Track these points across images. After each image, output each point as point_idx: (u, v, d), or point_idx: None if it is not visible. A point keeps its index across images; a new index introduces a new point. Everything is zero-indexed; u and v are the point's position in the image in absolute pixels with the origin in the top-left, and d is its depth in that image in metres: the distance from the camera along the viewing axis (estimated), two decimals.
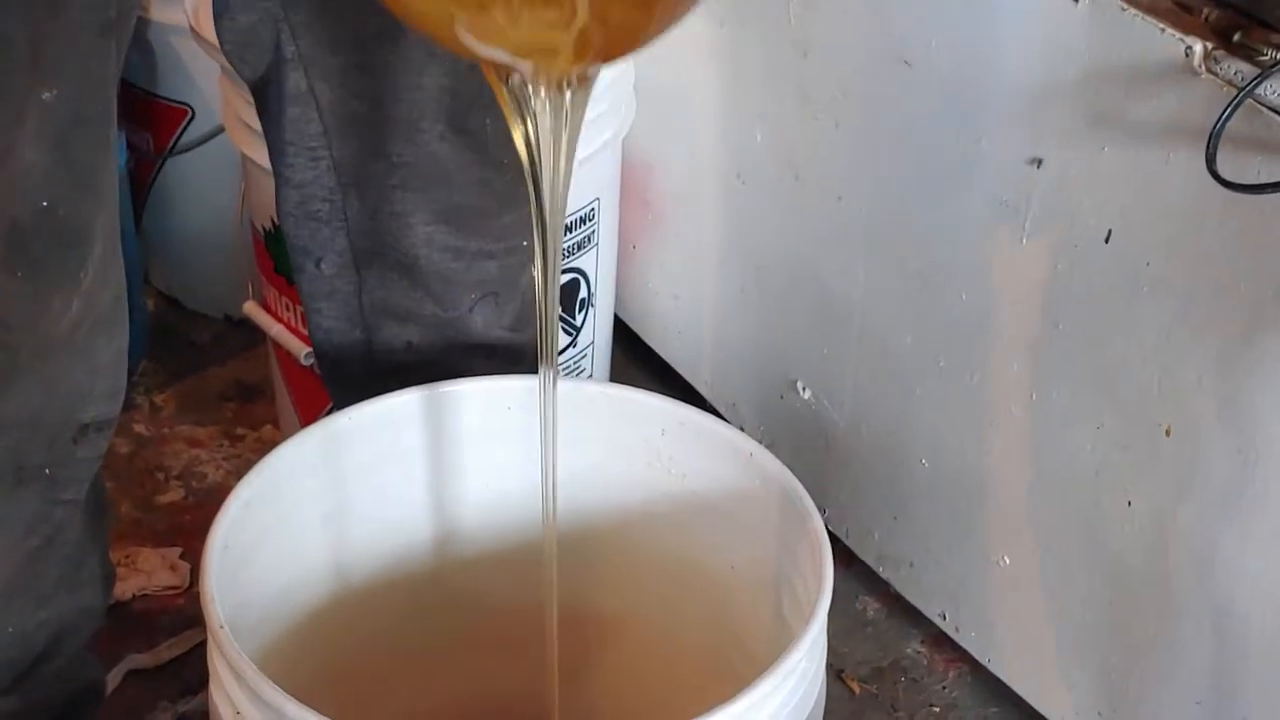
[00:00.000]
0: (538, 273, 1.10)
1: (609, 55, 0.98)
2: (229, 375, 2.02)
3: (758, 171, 1.69)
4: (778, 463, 1.24)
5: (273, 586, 1.26)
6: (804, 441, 1.74)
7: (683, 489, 1.31)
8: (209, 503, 1.84)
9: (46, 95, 1.07)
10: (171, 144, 1.99)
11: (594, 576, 1.36)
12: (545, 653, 1.23)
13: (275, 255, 1.69)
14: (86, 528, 1.31)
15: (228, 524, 1.17)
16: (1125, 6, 1.27)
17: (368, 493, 1.32)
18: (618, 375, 1.95)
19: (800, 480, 1.70)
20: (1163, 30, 1.25)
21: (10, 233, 1.10)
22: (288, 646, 1.27)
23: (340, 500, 1.30)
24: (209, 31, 1.48)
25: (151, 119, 1.99)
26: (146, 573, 1.76)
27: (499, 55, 0.97)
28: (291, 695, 1.04)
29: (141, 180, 2.03)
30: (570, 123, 1.03)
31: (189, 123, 1.97)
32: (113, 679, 1.61)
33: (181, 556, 1.79)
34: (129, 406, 1.94)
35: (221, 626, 1.09)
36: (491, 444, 1.32)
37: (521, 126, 1.02)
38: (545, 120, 1.02)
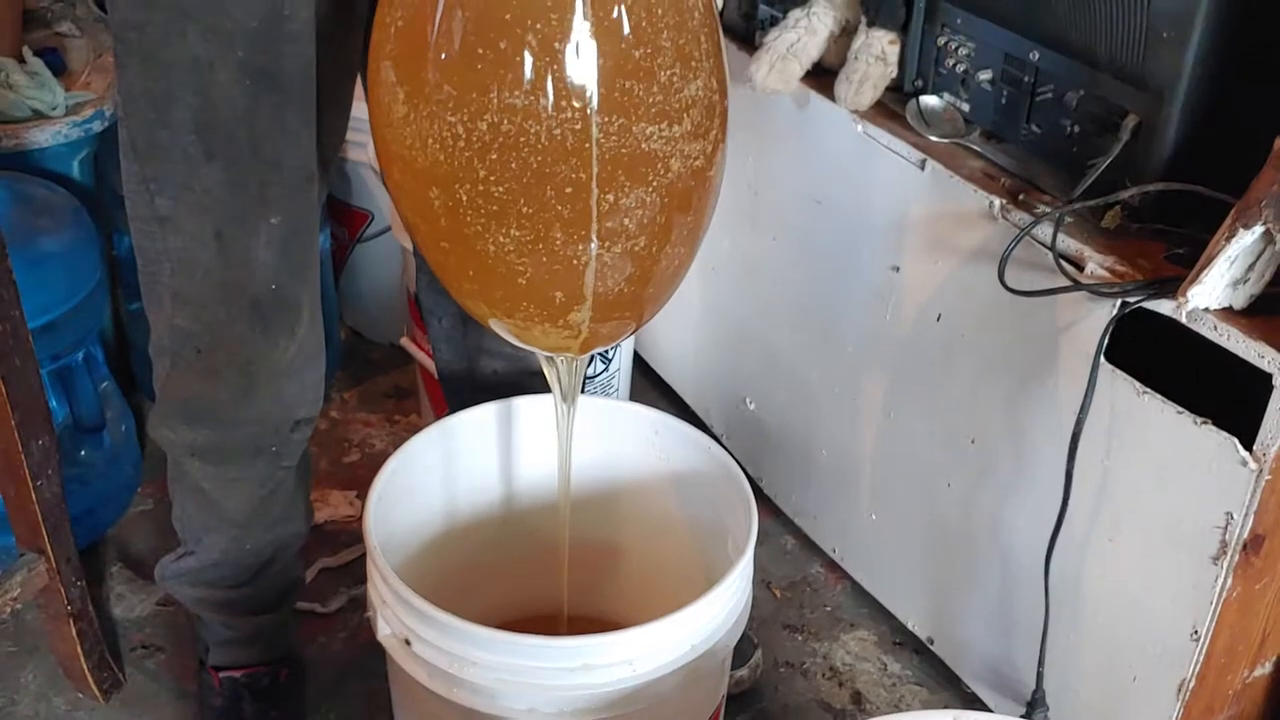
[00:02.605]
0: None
1: (607, 346, 1.06)
2: (391, 382, 2.00)
3: (725, 265, 1.69)
4: (725, 453, 1.25)
5: (407, 524, 1.27)
6: (750, 437, 1.74)
7: (666, 468, 1.32)
8: (376, 463, 1.74)
9: (274, 220, 1.10)
10: (359, 235, 1.99)
11: (608, 521, 1.37)
12: (559, 568, 1.25)
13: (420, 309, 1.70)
14: (297, 483, 1.33)
15: (381, 485, 1.19)
16: (952, 174, 1.28)
17: (466, 466, 1.33)
18: (636, 387, 1.92)
19: (747, 462, 1.71)
20: (975, 190, 1.25)
21: (252, 304, 1.13)
22: (414, 560, 1.29)
23: (449, 471, 1.31)
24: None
25: (346, 219, 1.99)
26: (334, 506, 1.75)
27: (532, 350, 1.04)
28: (413, 589, 1.07)
29: (339, 258, 2.03)
30: (579, 368, 1.09)
31: (370, 223, 1.97)
32: (310, 574, 1.62)
33: (357, 496, 1.78)
34: (327, 400, 1.93)
35: (375, 547, 1.12)
36: (542, 436, 1.31)
37: (550, 367, 1.09)
38: (564, 366, 1.08)
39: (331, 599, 1.61)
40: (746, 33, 1.55)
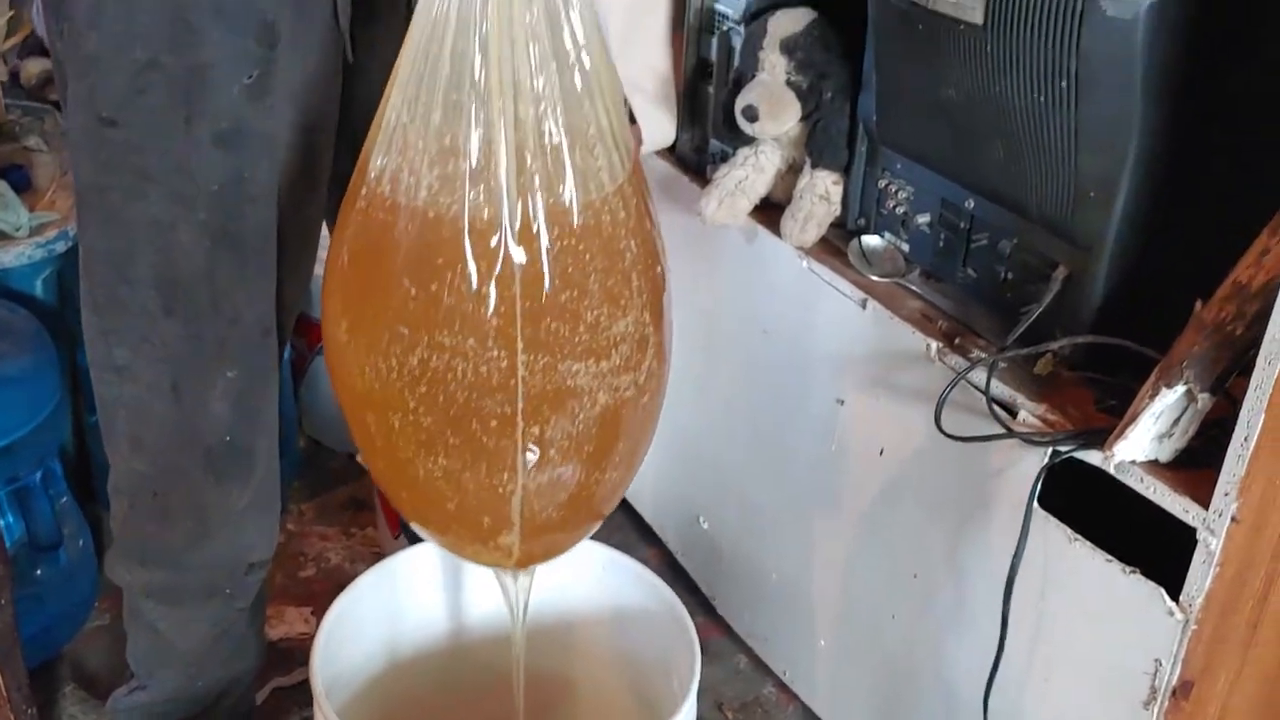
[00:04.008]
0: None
1: (544, 562, 1.08)
2: (349, 493, 2.00)
3: (680, 386, 1.64)
4: (671, 593, 1.25)
5: (357, 659, 1.28)
6: (703, 555, 1.74)
7: (613, 603, 1.32)
8: (332, 577, 1.82)
9: (231, 374, 1.11)
10: (319, 346, 1.99)
11: (559, 653, 1.36)
12: (513, 711, 1.24)
13: None
14: (251, 620, 1.33)
15: (328, 629, 1.20)
16: (892, 315, 1.30)
17: (413, 603, 1.32)
18: None
19: (700, 580, 1.73)
20: (913, 332, 1.28)
21: (206, 454, 1.14)
22: (364, 695, 1.29)
23: (396, 609, 1.31)
24: None
25: (306, 330, 1.99)
26: (289, 623, 1.75)
27: (472, 563, 1.06)
28: None
29: (299, 367, 2.04)
30: (528, 589, 1.11)
31: None
32: (262, 695, 1.60)
33: (312, 613, 1.76)
34: (284, 512, 1.94)
35: (321, 693, 1.13)
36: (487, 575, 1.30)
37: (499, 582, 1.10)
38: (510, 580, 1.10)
39: None
40: (698, 165, 1.58)
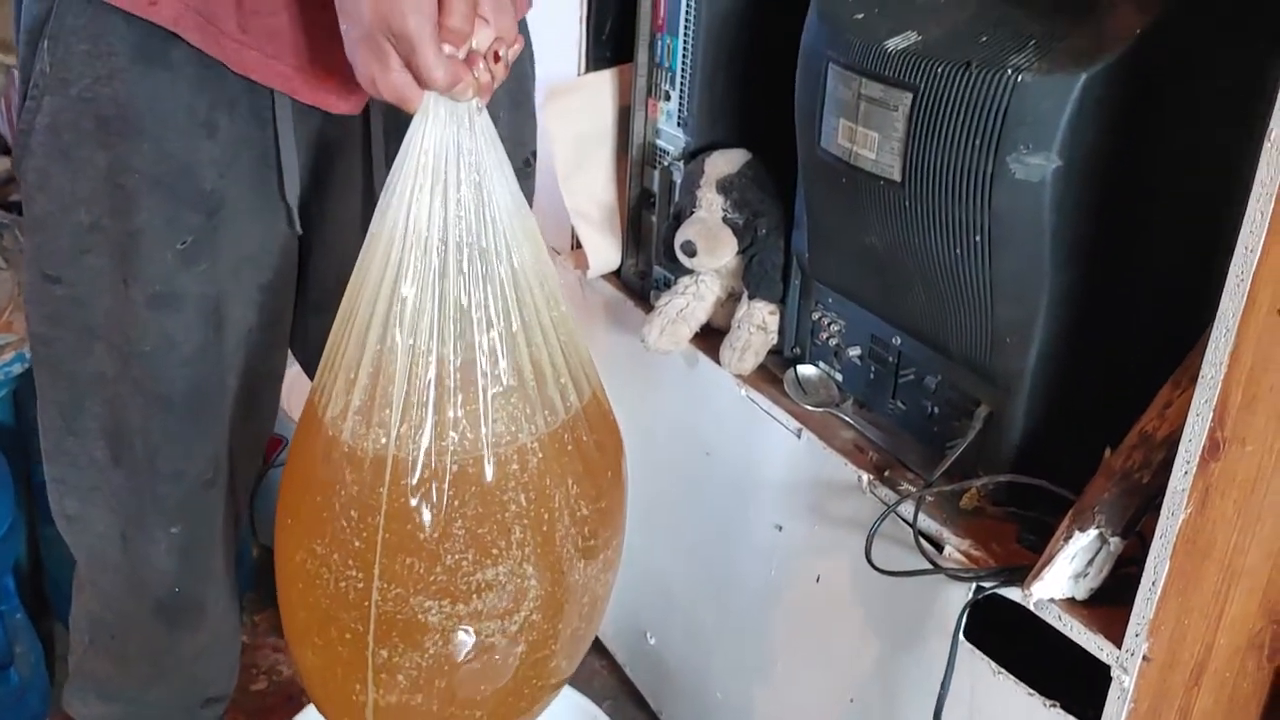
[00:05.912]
0: None
1: None
2: None
3: (629, 505, 1.73)
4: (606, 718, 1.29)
5: None
6: (651, 670, 1.76)
7: None
8: (284, 691, 1.82)
9: (174, 530, 1.12)
10: (273, 460, 1.99)
11: None
12: None
13: None
14: None
15: None
16: (825, 446, 1.34)
17: None
18: None
19: (648, 694, 1.74)
20: (845, 463, 1.31)
21: (156, 605, 1.16)
22: None
23: None
24: (292, 409, 1.57)
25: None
26: None
27: None
28: None
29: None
30: None
31: (283, 447, 1.96)
32: None
33: None
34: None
35: None
36: None
37: None
38: None
39: None
40: (642, 291, 1.63)
